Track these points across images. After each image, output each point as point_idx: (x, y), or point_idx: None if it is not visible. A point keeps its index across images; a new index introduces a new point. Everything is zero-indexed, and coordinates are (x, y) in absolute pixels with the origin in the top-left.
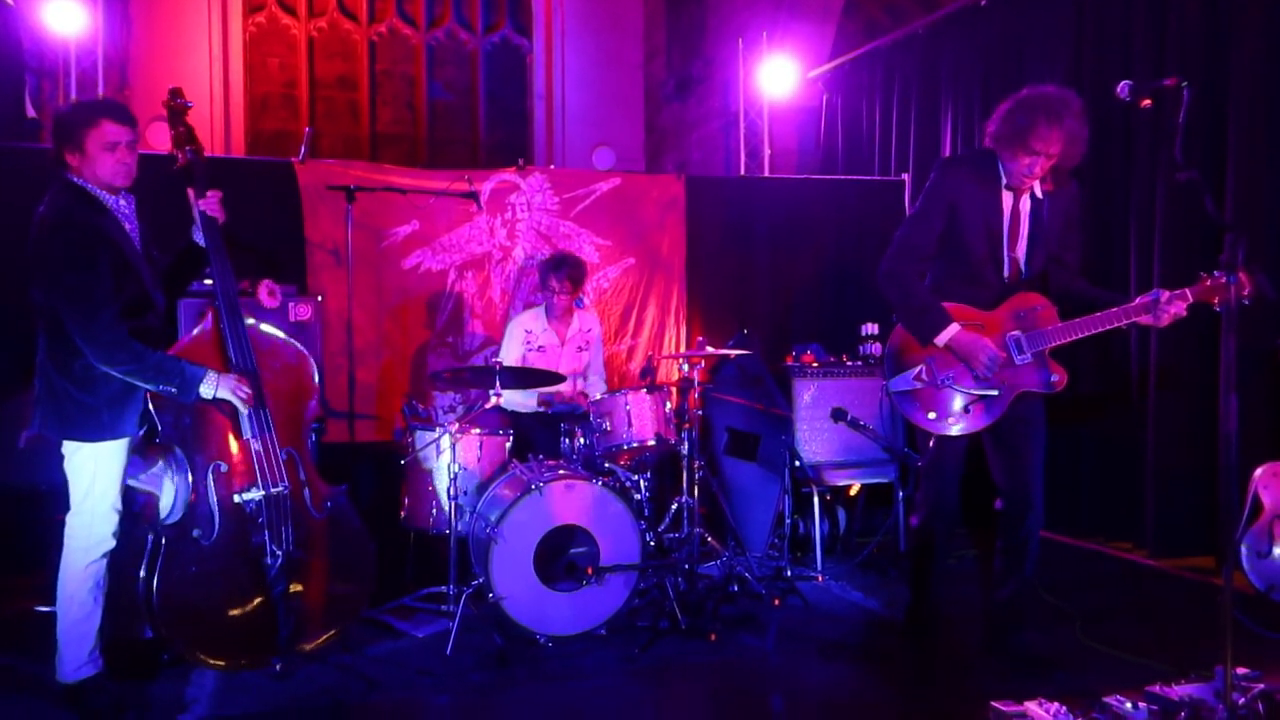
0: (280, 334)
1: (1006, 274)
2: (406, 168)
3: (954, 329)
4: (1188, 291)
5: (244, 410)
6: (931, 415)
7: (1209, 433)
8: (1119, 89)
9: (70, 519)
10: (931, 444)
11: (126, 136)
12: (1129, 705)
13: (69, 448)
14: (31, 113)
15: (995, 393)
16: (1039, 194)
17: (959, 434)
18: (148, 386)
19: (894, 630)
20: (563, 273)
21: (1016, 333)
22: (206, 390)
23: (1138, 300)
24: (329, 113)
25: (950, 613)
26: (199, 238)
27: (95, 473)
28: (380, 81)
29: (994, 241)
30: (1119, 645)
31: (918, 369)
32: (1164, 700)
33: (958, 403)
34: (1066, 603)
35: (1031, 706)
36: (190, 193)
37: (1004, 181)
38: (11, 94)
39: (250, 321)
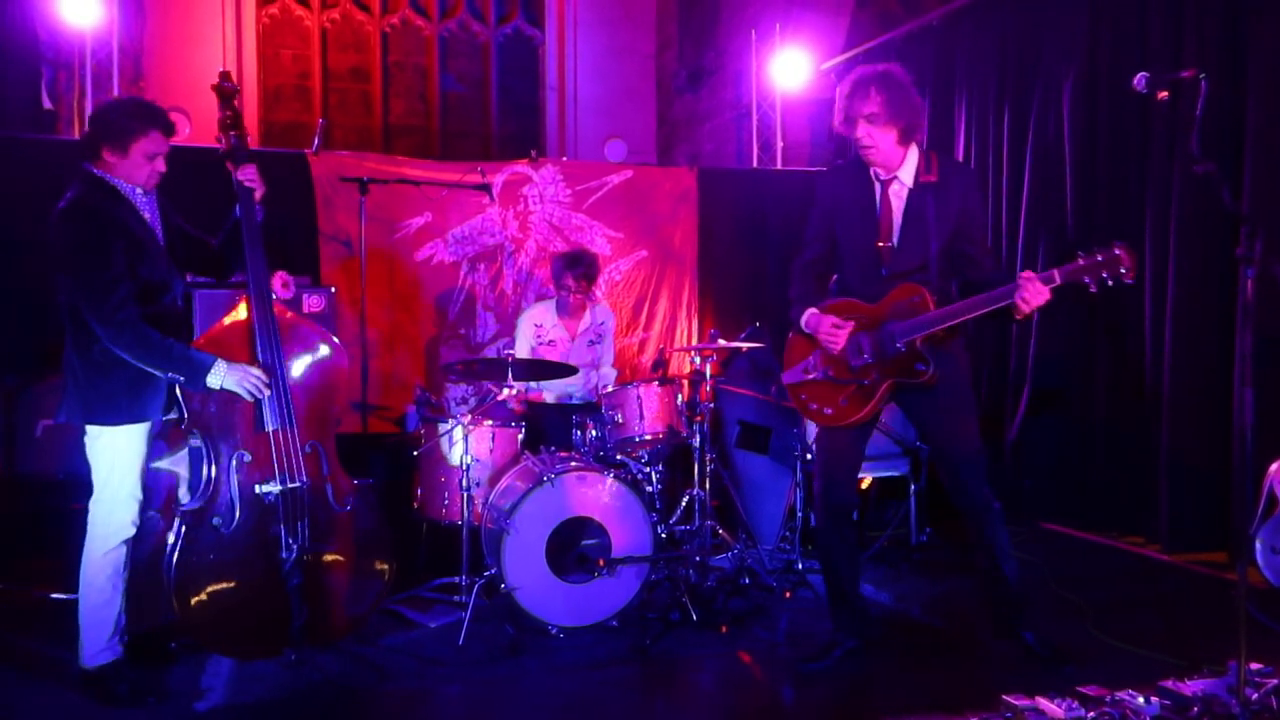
0: (315, 326)
1: (884, 266)
2: (420, 159)
3: (809, 312)
4: (1055, 273)
5: (250, 399)
6: (815, 407)
7: (1224, 426)
8: (1136, 81)
9: (92, 505)
10: (818, 436)
11: (165, 149)
12: (1141, 700)
13: (91, 433)
14: (48, 104)
15: (865, 382)
16: (909, 181)
17: (842, 426)
18: (156, 372)
19: (905, 623)
20: (579, 271)
21: (893, 324)
22: (214, 380)
23: (1004, 287)
24: (342, 104)
25: (960, 605)
26: (238, 212)
27: (114, 458)
28: (393, 73)
29: (868, 234)
30: (1131, 640)
31: (807, 361)
32: (1177, 695)
33: (838, 394)
34: (1078, 596)
35: (1043, 700)
36: (229, 166)
37: (875, 174)
38: (28, 86)
39: (287, 313)
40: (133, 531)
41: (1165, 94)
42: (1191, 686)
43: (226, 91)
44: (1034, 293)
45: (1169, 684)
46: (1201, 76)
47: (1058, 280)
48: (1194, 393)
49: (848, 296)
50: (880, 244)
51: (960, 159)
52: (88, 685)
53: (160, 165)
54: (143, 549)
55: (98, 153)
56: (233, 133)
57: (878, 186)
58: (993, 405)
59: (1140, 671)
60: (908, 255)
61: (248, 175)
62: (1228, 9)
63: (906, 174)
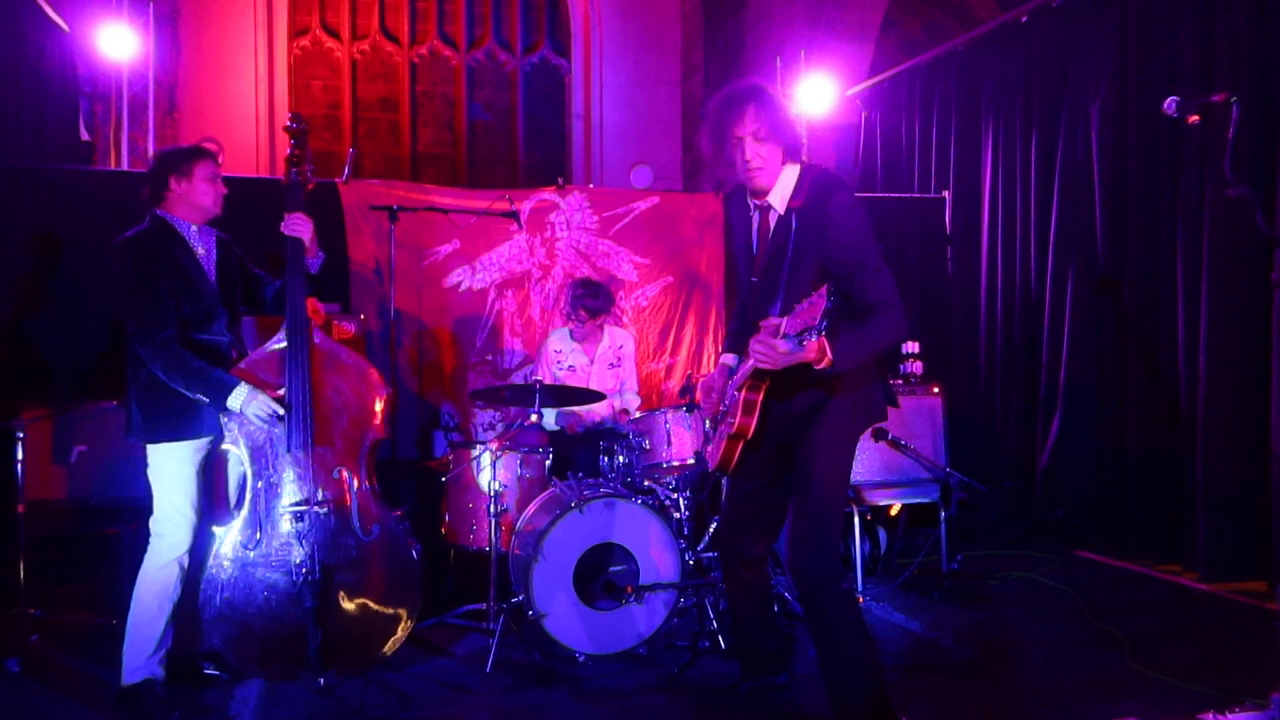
0: (355, 354)
1: (754, 305)
2: (448, 187)
3: (722, 361)
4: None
5: (263, 427)
6: (710, 448)
7: (1262, 452)
8: (1166, 105)
9: (151, 523)
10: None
11: (217, 171)
12: None
13: (149, 451)
14: (85, 136)
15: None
16: (780, 207)
17: (718, 470)
18: (185, 391)
19: (936, 652)
20: (579, 303)
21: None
22: (234, 403)
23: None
24: (371, 133)
25: (993, 634)
26: (289, 256)
27: (162, 476)
28: (421, 102)
29: (747, 268)
30: (1170, 671)
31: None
32: None
33: (717, 440)
34: (1114, 626)
35: None
36: (286, 214)
37: (751, 203)
38: (67, 118)
39: (328, 341)
40: (183, 550)
41: (1197, 118)
42: None
43: (294, 132)
44: (766, 349)
45: (1209, 717)
46: (1233, 100)
47: (787, 332)
48: (1230, 418)
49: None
50: (753, 277)
51: (988, 183)
52: (122, 703)
53: (221, 186)
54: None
55: (165, 187)
56: (294, 170)
57: (755, 215)
58: (1023, 432)
59: (1179, 703)
60: (767, 292)
61: (289, 226)
62: (1259, 31)
63: (777, 198)
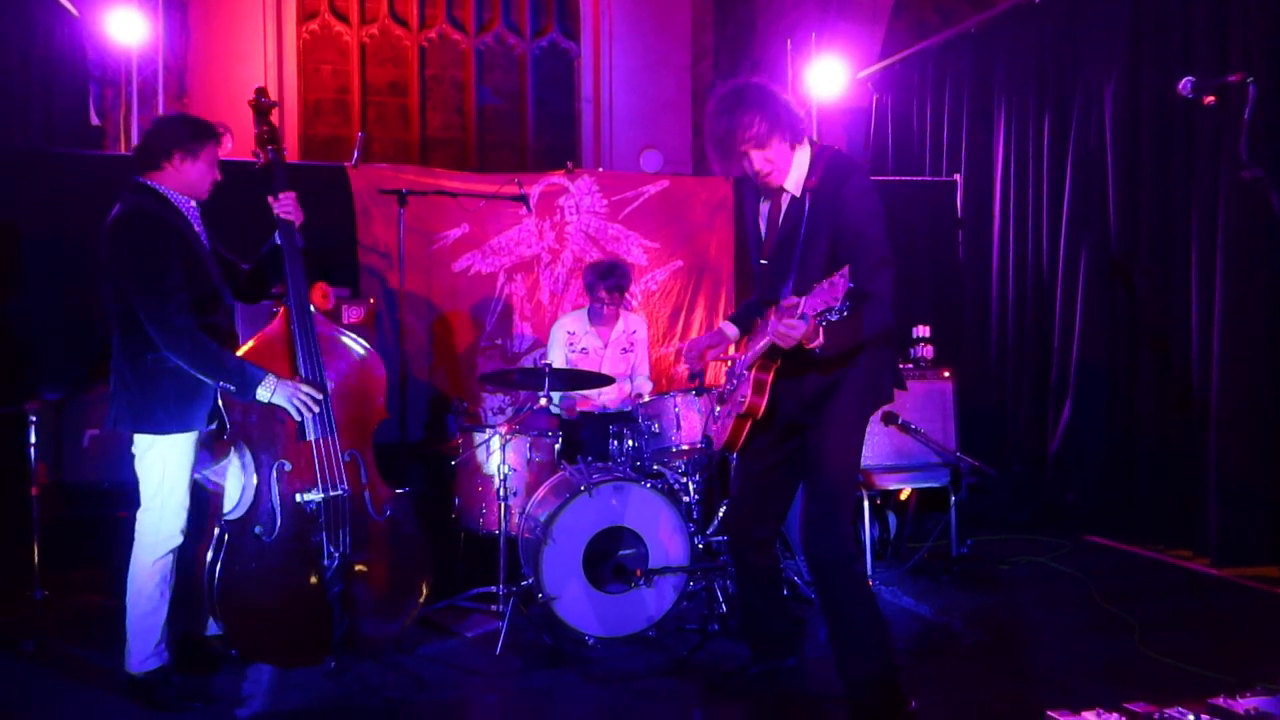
0: (354, 337)
1: (762, 287)
2: (457, 172)
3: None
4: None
5: (297, 417)
6: (713, 429)
7: (1275, 437)
8: (1181, 86)
9: (140, 515)
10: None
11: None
12: (1191, 717)
13: (140, 443)
14: (95, 121)
15: (730, 411)
16: (794, 189)
17: (723, 449)
18: (207, 380)
19: (946, 636)
20: (610, 282)
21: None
22: (263, 394)
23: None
24: (380, 118)
25: (1002, 618)
26: (278, 239)
27: (164, 468)
28: (430, 87)
29: (757, 250)
30: (1180, 656)
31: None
32: (1228, 713)
33: (724, 419)
34: (1124, 611)
35: (1089, 717)
36: (269, 200)
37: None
38: (77, 102)
39: (324, 325)
40: (180, 540)
41: (1212, 99)
42: (1243, 704)
43: (263, 107)
44: (786, 328)
45: (1220, 701)
46: (1250, 80)
47: (805, 311)
48: (1243, 402)
49: (758, 316)
50: (764, 259)
51: (1000, 166)
52: (134, 691)
53: (217, 173)
54: (195, 556)
55: (166, 158)
56: (270, 148)
57: (768, 200)
58: (1034, 416)
59: (1190, 688)
60: (779, 273)
61: (284, 208)
62: (1275, 12)
63: (792, 183)
